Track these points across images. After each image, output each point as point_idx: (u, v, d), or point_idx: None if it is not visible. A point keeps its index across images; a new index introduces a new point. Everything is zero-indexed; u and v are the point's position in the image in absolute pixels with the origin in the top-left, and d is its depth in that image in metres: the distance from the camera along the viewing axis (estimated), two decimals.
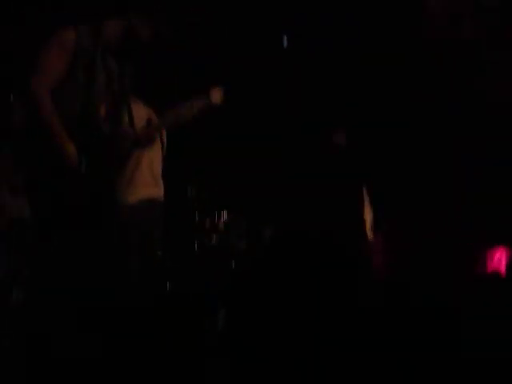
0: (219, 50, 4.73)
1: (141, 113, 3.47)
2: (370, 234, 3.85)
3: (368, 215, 4.01)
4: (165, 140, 3.61)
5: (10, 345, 3.03)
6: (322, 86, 4.72)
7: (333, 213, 3.81)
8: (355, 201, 3.88)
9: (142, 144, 3.27)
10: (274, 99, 4.83)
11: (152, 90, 3.59)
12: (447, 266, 3.61)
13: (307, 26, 4.72)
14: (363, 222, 3.92)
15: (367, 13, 4.76)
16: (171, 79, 3.72)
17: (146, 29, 2.95)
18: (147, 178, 3.45)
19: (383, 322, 3.23)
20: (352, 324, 3.37)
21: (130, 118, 3.37)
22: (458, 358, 2.86)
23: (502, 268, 3.58)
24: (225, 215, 4.13)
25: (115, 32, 2.91)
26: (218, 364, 3.11)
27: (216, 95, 3.07)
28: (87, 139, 2.79)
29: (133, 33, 2.92)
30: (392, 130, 4.57)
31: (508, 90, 4.55)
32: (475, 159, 4.11)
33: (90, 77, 2.74)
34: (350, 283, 3.67)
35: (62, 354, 2.81)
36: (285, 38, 4.64)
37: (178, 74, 3.80)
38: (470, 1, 4.60)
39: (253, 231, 4.10)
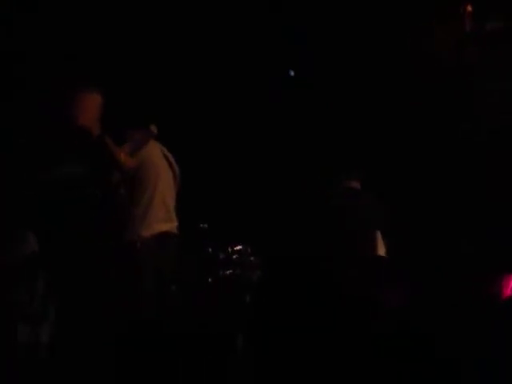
0: None
1: None
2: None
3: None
4: (178, 175, 3.66)
5: None
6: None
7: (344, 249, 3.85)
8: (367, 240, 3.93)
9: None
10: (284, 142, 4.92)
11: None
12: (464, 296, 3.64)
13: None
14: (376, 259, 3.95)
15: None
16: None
17: None
18: (161, 214, 3.49)
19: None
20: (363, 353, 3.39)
21: None
22: None
23: None
24: (238, 247, 4.15)
25: None
26: None
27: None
28: None
29: None
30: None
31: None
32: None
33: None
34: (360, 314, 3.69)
35: None
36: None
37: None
38: (473, 28, 4.67)
39: (265, 263, 4.11)
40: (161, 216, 3.49)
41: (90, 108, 3.29)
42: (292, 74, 4.70)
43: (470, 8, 4.51)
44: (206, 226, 4.27)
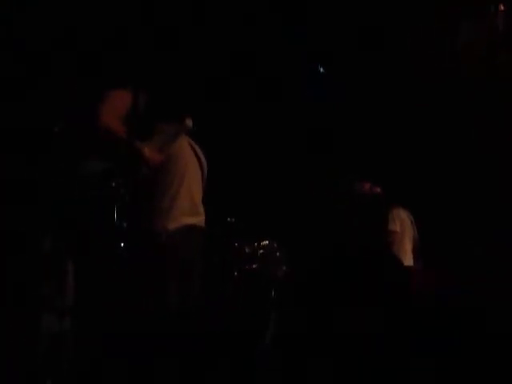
0: None
1: None
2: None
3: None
4: (205, 168, 3.67)
5: None
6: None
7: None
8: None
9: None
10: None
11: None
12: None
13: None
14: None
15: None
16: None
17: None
18: (187, 207, 3.48)
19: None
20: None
21: None
22: None
23: None
24: (264, 242, 4.16)
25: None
26: None
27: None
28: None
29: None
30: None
31: None
32: None
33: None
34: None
35: None
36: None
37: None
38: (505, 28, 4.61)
39: (291, 259, 4.12)
40: (187, 209, 3.47)
41: (117, 106, 3.25)
42: (321, 69, 4.70)
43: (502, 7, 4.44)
44: (233, 219, 4.29)
